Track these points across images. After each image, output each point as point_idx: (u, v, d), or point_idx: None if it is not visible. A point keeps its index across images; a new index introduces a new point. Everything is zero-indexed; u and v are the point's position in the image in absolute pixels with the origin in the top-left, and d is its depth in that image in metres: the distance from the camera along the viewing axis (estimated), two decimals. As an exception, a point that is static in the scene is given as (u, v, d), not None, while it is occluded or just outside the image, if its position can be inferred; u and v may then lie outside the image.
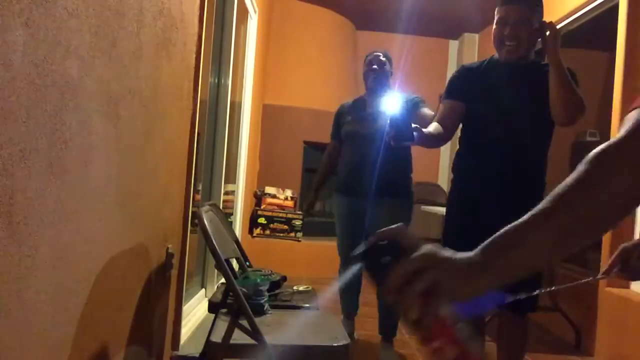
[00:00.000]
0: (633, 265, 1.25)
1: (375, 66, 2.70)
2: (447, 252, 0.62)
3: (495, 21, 1.94)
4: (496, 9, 1.95)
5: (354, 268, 0.67)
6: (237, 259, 2.02)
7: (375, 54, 2.78)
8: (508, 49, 1.92)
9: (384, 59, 2.74)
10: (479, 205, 1.95)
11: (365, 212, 2.61)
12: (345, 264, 2.80)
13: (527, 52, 1.92)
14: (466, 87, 2.03)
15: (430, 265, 0.60)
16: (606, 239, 2.98)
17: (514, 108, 1.90)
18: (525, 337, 2.01)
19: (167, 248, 1.94)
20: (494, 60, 2.02)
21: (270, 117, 5.21)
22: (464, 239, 1.98)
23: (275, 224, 4.89)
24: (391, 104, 1.73)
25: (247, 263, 2.09)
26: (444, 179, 6.29)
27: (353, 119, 2.73)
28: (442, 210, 4.96)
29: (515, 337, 2.00)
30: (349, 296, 2.82)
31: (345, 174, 2.74)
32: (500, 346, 2.03)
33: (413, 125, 1.75)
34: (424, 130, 1.86)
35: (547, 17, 1.95)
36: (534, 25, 1.89)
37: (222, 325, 1.58)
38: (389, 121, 1.71)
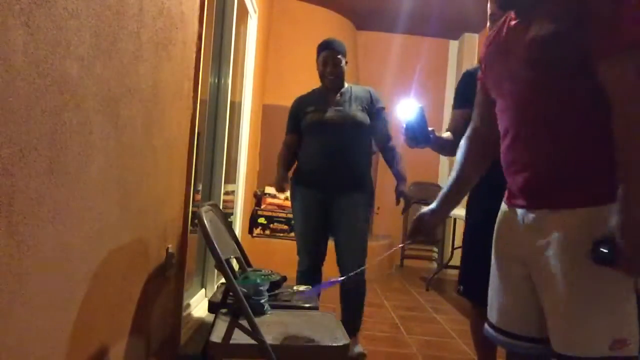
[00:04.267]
0: (425, 230, 1.48)
1: (329, 69, 2.59)
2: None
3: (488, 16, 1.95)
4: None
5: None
6: (237, 259, 2.02)
7: (329, 50, 2.61)
8: None
9: (339, 56, 2.61)
10: (492, 197, 1.92)
11: (328, 205, 2.56)
12: (303, 264, 2.64)
13: None
14: (470, 91, 2.02)
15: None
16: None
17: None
18: None
19: (167, 248, 1.94)
20: None
21: (270, 117, 5.21)
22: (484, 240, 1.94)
23: (275, 224, 4.89)
24: (406, 109, 1.73)
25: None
26: (444, 179, 6.29)
27: (316, 108, 2.62)
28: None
29: None
30: None
31: (309, 165, 2.63)
32: None
33: (429, 129, 1.76)
34: (437, 135, 1.87)
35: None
36: None
37: (222, 325, 1.58)
38: (404, 126, 1.73)
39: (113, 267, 1.41)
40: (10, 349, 0.93)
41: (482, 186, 2.06)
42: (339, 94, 2.63)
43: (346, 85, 2.68)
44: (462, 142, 1.51)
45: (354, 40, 5.92)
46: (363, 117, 2.56)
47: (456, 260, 5.27)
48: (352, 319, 2.60)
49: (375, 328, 2.67)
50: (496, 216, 1.93)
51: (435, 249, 6.21)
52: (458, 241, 5.33)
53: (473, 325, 2.16)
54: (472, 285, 2.03)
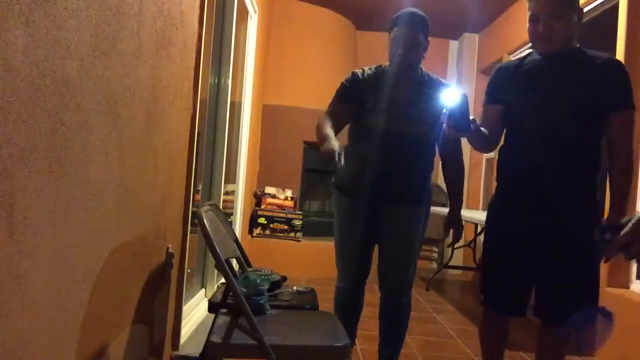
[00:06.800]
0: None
1: (401, 51, 2.09)
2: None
3: (528, 17, 1.87)
4: (527, 4, 1.88)
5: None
6: (237, 259, 2.02)
7: (406, 27, 2.14)
8: (542, 44, 1.86)
9: (418, 35, 2.15)
10: (525, 199, 1.90)
11: (376, 217, 2.18)
12: (344, 280, 2.32)
13: (565, 44, 1.85)
14: (503, 87, 1.99)
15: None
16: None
17: (553, 99, 1.85)
18: (562, 351, 1.95)
19: (167, 248, 1.94)
20: (532, 54, 1.97)
21: (270, 117, 5.21)
22: (511, 231, 1.92)
23: (275, 224, 4.89)
24: (449, 97, 1.68)
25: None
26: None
27: (374, 107, 2.12)
28: (442, 210, 4.97)
29: (549, 350, 1.96)
30: (347, 323, 2.08)
31: (357, 173, 2.16)
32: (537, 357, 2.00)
33: (471, 118, 1.71)
34: (477, 126, 1.81)
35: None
36: (571, 17, 1.82)
37: (222, 325, 1.58)
38: (447, 113, 1.68)
39: (113, 267, 1.41)
40: (9, 349, 0.93)
41: (500, 195, 2.06)
42: (408, 85, 2.16)
43: (422, 72, 2.22)
44: None
45: (354, 40, 5.92)
46: (431, 120, 2.06)
47: (456, 260, 5.29)
48: (391, 350, 2.32)
49: (375, 328, 2.66)
50: (516, 226, 1.93)
51: (435, 249, 6.21)
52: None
53: (483, 330, 2.12)
54: (496, 294, 1.98)
